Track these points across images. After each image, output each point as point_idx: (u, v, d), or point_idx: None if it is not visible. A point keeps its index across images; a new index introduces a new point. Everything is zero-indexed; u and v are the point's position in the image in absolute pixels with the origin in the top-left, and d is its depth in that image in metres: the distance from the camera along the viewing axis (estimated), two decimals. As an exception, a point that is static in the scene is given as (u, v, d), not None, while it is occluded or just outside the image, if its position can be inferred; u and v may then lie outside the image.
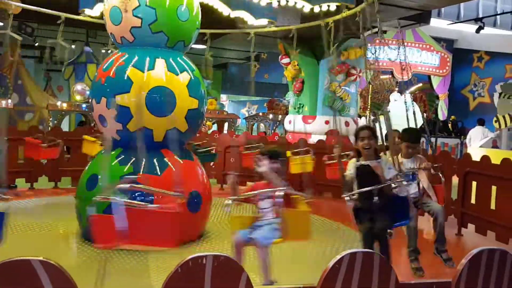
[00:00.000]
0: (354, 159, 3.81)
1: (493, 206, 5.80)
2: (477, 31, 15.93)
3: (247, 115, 22.57)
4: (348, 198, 3.61)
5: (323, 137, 9.85)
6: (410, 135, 4.68)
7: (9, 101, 13.34)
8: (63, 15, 7.13)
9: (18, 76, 14.77)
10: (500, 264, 2.19)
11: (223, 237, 5.47)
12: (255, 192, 3.71)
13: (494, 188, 5.78)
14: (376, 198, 3.53)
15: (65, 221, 5.73)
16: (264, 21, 7.37)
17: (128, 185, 3.24)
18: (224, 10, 7.03)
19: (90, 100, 5.73)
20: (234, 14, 7.09)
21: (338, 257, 1.99)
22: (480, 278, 2.16)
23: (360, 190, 3.59)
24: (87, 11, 7.00)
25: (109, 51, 15.29)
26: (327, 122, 9.83)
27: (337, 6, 7.06)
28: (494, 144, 13.20)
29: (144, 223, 3.11)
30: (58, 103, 14.42)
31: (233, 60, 22.00)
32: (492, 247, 2.24)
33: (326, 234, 5.83)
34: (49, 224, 5.75)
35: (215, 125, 15.52)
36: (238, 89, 22.52)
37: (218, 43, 14.68)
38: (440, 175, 4.84)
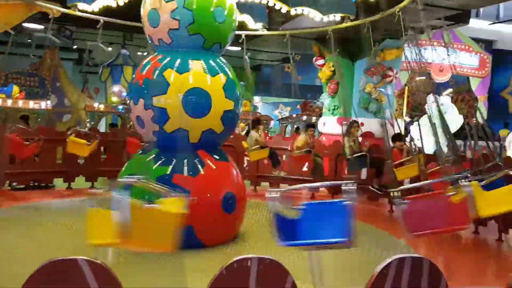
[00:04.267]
0: None
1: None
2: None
3: (279, 116, 22.53)
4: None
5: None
6: None
7: (49, 102, 13.75)
8: (103, 18, 7.15)
9: (56, 78, 15.22)
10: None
11: (258, 239, 5.45)
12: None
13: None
14: None
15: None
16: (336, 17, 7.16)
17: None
18: (283, 8, 6.86)
19: (127, 101, 5.80)
20: (294, 11, 6.93)
21: (386, 262, 1.92)
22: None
23: None
24: (81, 5, 6.71)
25: (145, 54, 15.59)
26: (361, 124, 9.63)
27: (341, 17, 7.01)
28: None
29: None
30: (95, 105, 14.74)
31: (267, 62, 22.00)
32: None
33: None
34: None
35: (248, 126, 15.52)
36: (271, 91, 22.54)
37: (251, 45, 14.67)
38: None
